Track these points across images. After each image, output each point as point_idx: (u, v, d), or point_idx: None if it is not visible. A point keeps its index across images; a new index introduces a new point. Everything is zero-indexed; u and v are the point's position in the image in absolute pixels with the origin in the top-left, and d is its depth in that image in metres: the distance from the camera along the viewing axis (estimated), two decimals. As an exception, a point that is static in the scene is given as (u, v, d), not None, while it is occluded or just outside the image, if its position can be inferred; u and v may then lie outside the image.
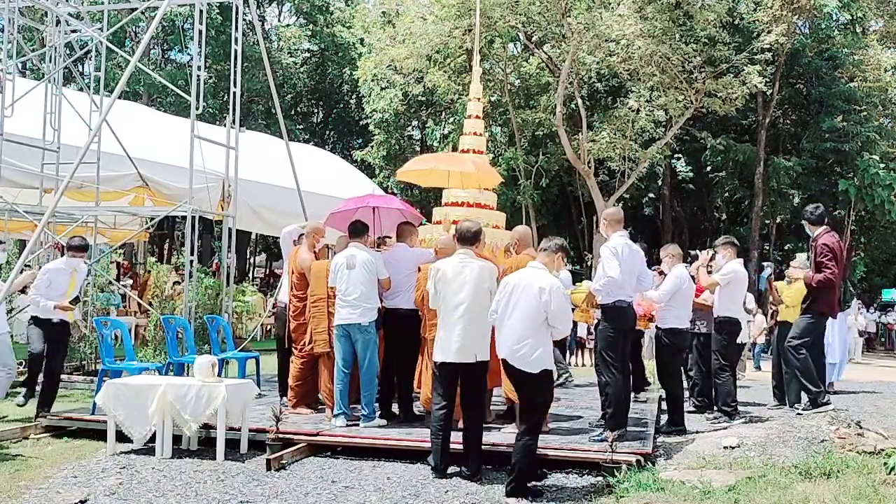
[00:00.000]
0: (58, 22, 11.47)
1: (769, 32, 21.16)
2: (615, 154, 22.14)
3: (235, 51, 11.18)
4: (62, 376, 9.06)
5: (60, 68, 11.42)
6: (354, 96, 32.65)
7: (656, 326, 8.01)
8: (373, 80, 25.89)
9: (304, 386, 7.80)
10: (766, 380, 10.96)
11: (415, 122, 30.41)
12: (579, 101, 22.40)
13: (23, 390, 8.25)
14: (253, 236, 29.06)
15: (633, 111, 21.20)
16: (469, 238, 6.12)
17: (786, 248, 28.55)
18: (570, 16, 20.70)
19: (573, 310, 6.87)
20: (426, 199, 24.15)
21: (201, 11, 10.76)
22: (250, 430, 6.71)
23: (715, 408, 8.34)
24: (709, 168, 28.46)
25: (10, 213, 10.67)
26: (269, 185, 13.84)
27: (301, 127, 33.86)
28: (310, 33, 32.80)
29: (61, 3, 11.43)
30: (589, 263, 24.82)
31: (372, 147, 28.28)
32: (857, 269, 25.89)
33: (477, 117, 10.34)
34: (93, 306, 11.35)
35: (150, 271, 15.93)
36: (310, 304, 7.50)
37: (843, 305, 9.28)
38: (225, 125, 11.86)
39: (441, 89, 24.67)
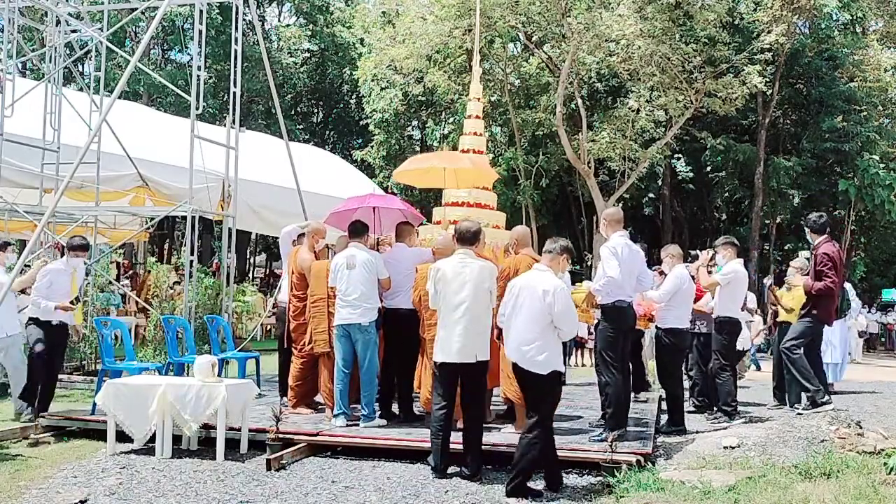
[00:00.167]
0: (58, 22, 11.47)
1: (769, 32, 21.16)
2: (615, 154, 22.15)
3: (235, 51, 11.18)
4: (62, 376, 9.07)
5: (60, 68, 11.42)
6: (354, 96, 32.65)
7: (656, 326, 8.02)
8: (373, 80, 25.89)
9: (304, 386, 7.80)
10: (766, 380, 10.96)
11: (415, 122, 30.41)
12: (579, 101, 22.40)
13: (21, 403, 7.87)
14: (253, 236, 29.06)
15: (633, 111, 21.20)
16: (469, 238, 6.12)
17: (786, 248, 28.55)
18: (570, 16, 20.70)
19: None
20: (426, 200, 24.15)
21: (201, 11, 10.76)
22: (250, 430, 6.71)
23: (715, 408, 8.34)
24: (709, 168, 28.46)
25: (10, 213, 10.67)
26: (269, 185, 13.84)
27: (301, 127, 33.86)
28: (310, 33, 32.80)
29: (61, 3, 11.43)
30: (589, 263, 24.82)
31: (372, 147, 28.29)
32: (857, 269, 25.89)
33: (477, 117, 10.34)
34: (93, 306, 11.34)
35: (149, 271, 15.93)
36: (310, 304, 7.50)
37: (841, 314, 9.33)
38: (225, 125, 11.86)
39: (441, 89, 24.67)
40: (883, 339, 27.46)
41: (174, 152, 12.07)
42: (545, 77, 24.65)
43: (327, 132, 36.22)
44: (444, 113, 28.60)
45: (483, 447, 5.99)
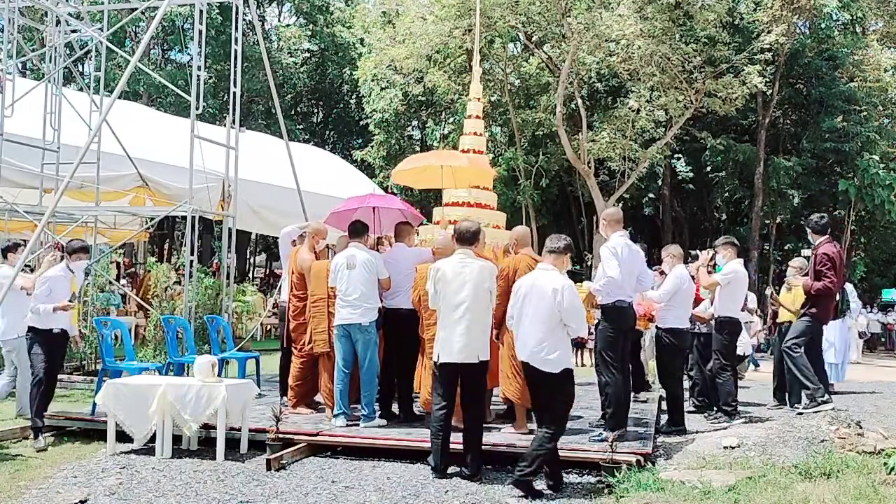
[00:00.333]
0: (58, 22, 11.46)
1: (769, 32, 21.16)
2: (615, 154, 22.15)
3: (235, 51, 11.18)
4: (62, 376, 9.05)
5: (60, 68, 11.42)
6: (354, 96, 32.64)
7: (656, 326, 8.02)
8: (373, 80, 25.89)
9: (304, 386, 7.80)
10: (766, 380, 10.95)
11: (415, 122, 30.41)
12: (579, 101, 22.40)
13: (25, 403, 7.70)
14: (253, 236, 29.06)
15: (633, 111, 21.20)
16: (468, 238, 6.12)
17: (786, 248, 28.55)
18: (570, 16, 20.70)
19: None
20: (426, 200, 24.15)
21: (201, 11, 10.76)
22: (250, 430, 6.71)
23: (715, 408, 8.34)
24: (709, 168, 28.46)
25: (10, 213, 10.66)
26: (269, 185, 13.84)
27: (301, 127, 33.85)
28: (310, 33, 32.80)
29: (61, 3, 11.43)
30: (589, 263, 24.82)
31: (372, 147, 28.28)
32: (857, 269, 25.89)
33: (477, 117, 10.35)
34: (93, 306, 11.34)
35: (149, 271, 15.94)
36: (310, 304, 7.50)
37: (840, 314, 9.36)
38: (225, 125, 11.86)
39: (441, 89, 24.67)
40: (883, 340, 27.43)
41: (174, 152, 12.07)
42: (545, 77, 24.65)
43: (327, 132, 36.21)
44: (444, 113, 28.60)
45: (483, 447, 5.99)
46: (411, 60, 22.36)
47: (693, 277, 8.37)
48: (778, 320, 9.92)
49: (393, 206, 9.18)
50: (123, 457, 6.37)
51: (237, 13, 11.33)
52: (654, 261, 10.05)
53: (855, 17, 25.23)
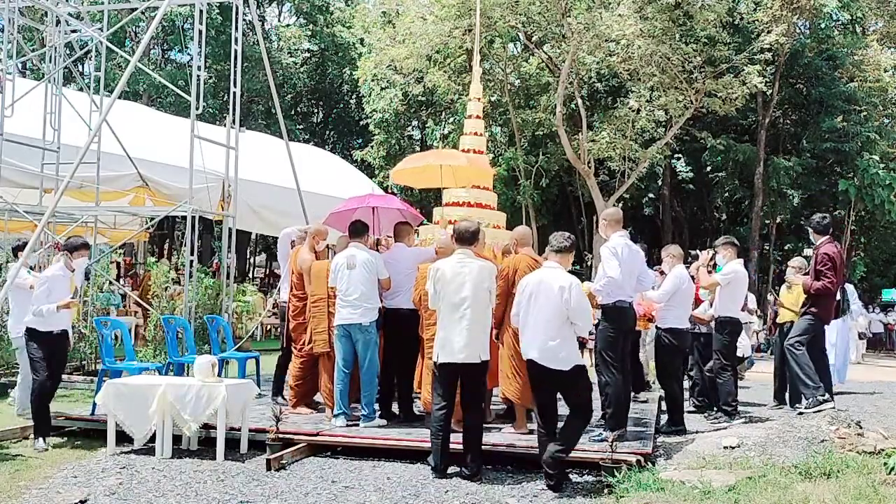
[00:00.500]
0: (58, 22, 11.46)
1: (769, 32, 21.15)
2: (615, 154, 22.14)
3: (235, 51, 11.18)
4: (62, 376, 9.02)
5: (60, 68, 11.42)
6: (354, 96, 32.64)
7: (656, 326, 8.02)
8: (373, 80, 25.88)
9: (304, 386, 7.80)
10: (766, 380, 10.95)
11: (415, 122, 30.40)
12: (579, 101, 22.40)
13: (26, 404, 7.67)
14: (253, 236, 29.05)
15: (633, 111, 21.19)
16: (467, 238, 6.12)
17: (786, 248, 28.54)
18: (570, 16, 20.69)
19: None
20: (426, 199, 24.15)
21: (201, 11, 10.76)
22: (250, 430, 6.72)
23: (715, 408, 8.34)
24: (709, 168, 28.45)
25: (10, 213, 10.67)
26: (269, 185, 13.85)
27: (301, 127, 33.85)
28: (310, 33, 32.79)
29: (61, 3, 11.43)
30: (589, 263, 24.82)
31: (372, 147, 28.28)
32: (857, 269, 25.88)
33: (477, 117, 10.34)
34: (93, 306, 11.34)
35: (148, 270, 15.94)
36: (310, 304, 7.50)
37: (841, 313, 9.37)
38: (225, 125, 11.86)
39: (441, 89, 24.66)
40: (884, 340, 27.39)
41: (174, 152, 12.07)
42: (545, 77, 24.64)
43: (327, 132, 36.21)
44: (444, 113, 28.59)
45: (483, 447, 5.99)
46: (411, 60, 22.35)
47: (693, 277, 8.37)
48: (779, 320, 9.90)
49: (392, 206, 9.18)
50: (123, 457, 6.37)
51: (237, 13, 11.32)
52: (654, 261, 10.05)
53: (855, 17, 25.23)
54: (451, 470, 5.91)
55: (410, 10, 22.37)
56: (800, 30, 25.24)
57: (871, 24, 26.99)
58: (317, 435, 6.70)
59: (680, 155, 28.40)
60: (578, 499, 5.46)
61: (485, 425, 6.37)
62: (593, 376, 7.47)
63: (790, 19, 22.37)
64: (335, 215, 8.86)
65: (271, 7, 36.36)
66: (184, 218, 11.49)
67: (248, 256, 32.96)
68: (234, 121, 11.15)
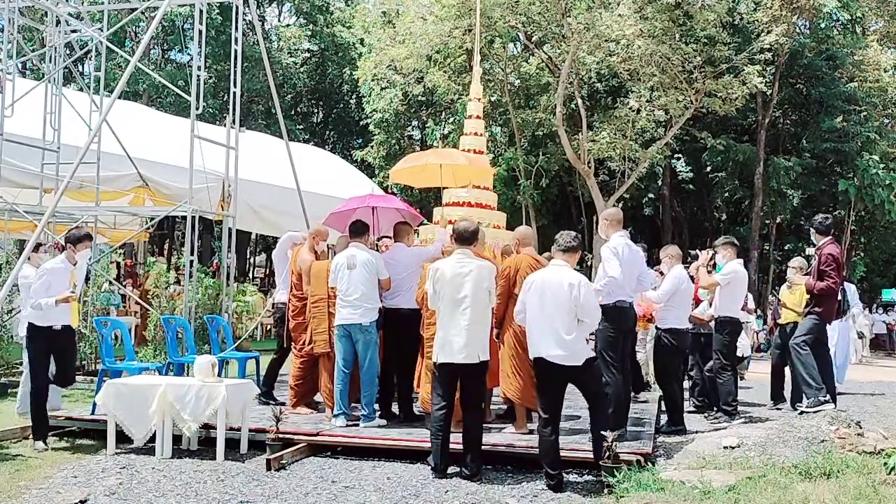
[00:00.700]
0: (58, 22, 11.46)
1: (769, 32, 21.16)
2: (615, 154, 22.15)
3: (235, 51, 11.17)
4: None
5: (60, 68, 11.41)
6: (354, 96, 32.64)
7: (656, 327, 8.02)
8: (373, 80, 25.89)
9: (304, 386, 7.80)
10: (766, 380, 10.95)
11: (415, 122, 30.41)
12: (579, 101, 22.40)
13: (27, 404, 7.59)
14: (253, 236, 29.06)
15: (633, 111, 21.20)
16: (467, 238, 6.13)
17: (786, 248, 28.55)
18: (570, 16, 20.69)
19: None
20: (426, 199, 24.15)
21: (201, 11, 10.75)
22: (250, 430, 6.72)
23: (715, 408, 8.35)
24: (709, 168, 28.46)
25: (10, 213, 10.66)
26: (269, 185, 13.84)
27: (301, 127, 33.85)
28: (310, 33, 32.79)
29: (61, 3, 11.43)
30: (589, 263, 24.82)
31: (372, 147, 28.28)
32: (857, 269, 25.88)
33: (477, 117, 10.35)
34: (93, 306, 11.34)
35: (148, 270, 15.95)
36: (310, 304, 7.50)
37: (841, 313, 9.39)
38: (225, 125, 11.85)
39: (441, 89, 24.67)
40: (885, 340, 27.34)
41: (174, 152, 12.06)
42: (545, 77, 24.64)
43: (327, 132, 36.21)
44: (444, 113, 28.60)
45: (483, 447, 5.99)
46: (411, 60, 22.36)
47: (692, 278, 8.38)
48: (781, 321, 9.89)
49: (392, 206, 9.18)
50: (123, 457, 6.37)
51: (237, 13, 11.32)
52: (654, 261, 10.05)
53: (854, 17, 25.23)
54: (451, 470, 5.91)
55: (410, 10, 22.37)
56: (800, 30, 25.24)
57: (871, 24, 26.99)
58: (317, 435, 6.70)
59: (680, 155, 28.41)
60: (578, 499, 5.46)
61: (485, 425, 6.37)
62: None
63: (790, 19, 22.38)
64: (335, 215, 8.86)
65: (271, 7, 36.37)
66: (184, 218, 11.48)
67: (248, 256, 32.96)
68: (234, 121, 11.15)
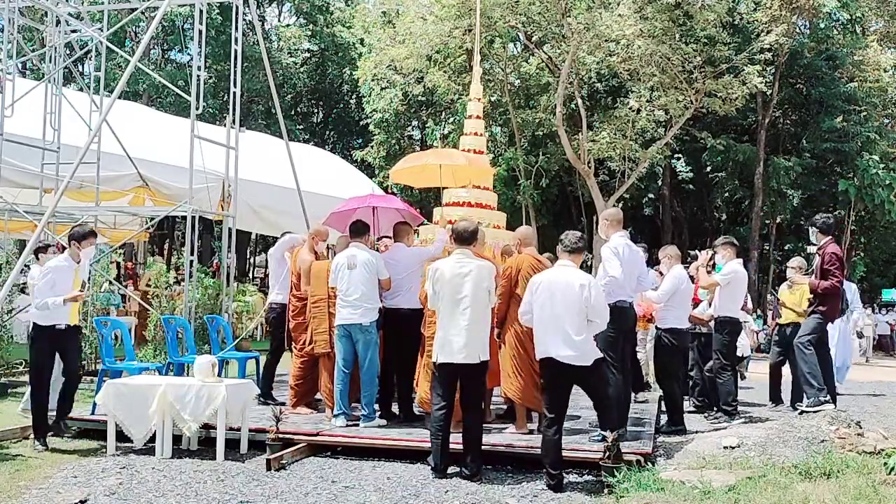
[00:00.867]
0: (58, 22, 11.46)
1: (769, 32, 21.16)
2: (615, 154, 22.14)
3: (235, 51, 11.17)
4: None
5: (60, 68, 11.41)
6: (354, 96, 32.63)
7: (656, 327, 8.02)
8: (373, 80, 25.88)
9: (304, 386, 7.80)
10: (767, 380, 10.96)
11: (415, 122, 30.40)
12: (579, 101, 22.40)
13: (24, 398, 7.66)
14: (253, 236, 29.05)
15: (633, 111, 21.20)
16: (466, 238, 6.13)
17: (786, 248, 28.55)
18: (570, 16, 20.69)
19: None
20: (426, 200, 24.15)
21: (201, 11, 10.75)
22: (250, 430, 6.72)
23: (715, 408, 8.35)
24: (709, 168, 28.46)
25: (10, 213, 10.66)
26: (269, 185, 13.83)
27: (301, 127, 33.83)
28: (310, 33, 32.78)
29: (61, 3, 11.43)
30: (589, 264, 24.83)
31: (372, 147, 28.28)
32: (857, 269, 25.88)
33: (477, 117, 10.35)
34: (93, 306, 11.34)
35: (147, 270, 15.95)
36: (310, 304, 7.50)
37: (841, 313, 9.41)
38: (225, 125, 11.85)
39: (441, 89, 24.66)
40: (888, 341, 27.30)
41: (174, 152, 12.06)
42: (545, 77, 24.64)
43: (327, 132, 36.20)
44: (444, 113, 28.59)
45: (483, 447, 5.99)
46: (411, 60, 22.35)
47: (692, 278, 8.38)
48: (780, 321, 9.87)
49: (392, 206, 9.18)
50: (123, 457, 6.37)
51: (237, 13, 11.32)
52: (654, 261, 10.05)
53: (854, 17, 25.23)
54: (451, 470, 5.91)
55: (410, 10, 22.37)
56: (799, 30, 25.23)
57: (871, 25, 26.99)
58: (317, 435, 6.71)
59: (680, 155, 28.41)
60: (578, 499, 5.46)
61: (485, 425, 6.36)
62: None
63: (790, 19, 22.37)
64: (335, 215, 8.86)
65: (271, 7, 36.36)
66: (184, 218, 11.48)
67: (248, 256, 32.95)
68: (234, 121, 11.15)
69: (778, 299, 10.31)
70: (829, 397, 7.75)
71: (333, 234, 8.57)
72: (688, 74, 20.86)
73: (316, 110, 36.81)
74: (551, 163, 24.81)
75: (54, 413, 7.07)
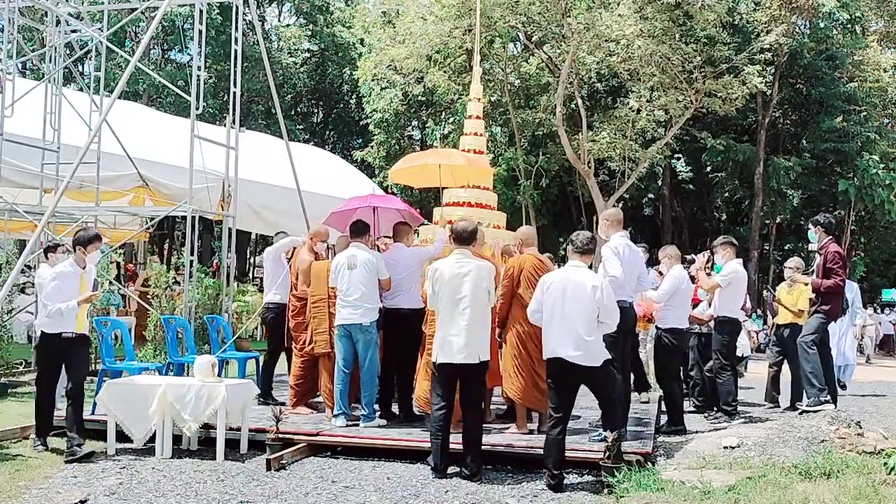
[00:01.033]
0: (58, 22, 11.46)
1: (769, 32, 21.17)
2: (615, 154, 22.15)
3: (235, 51, 11.17)
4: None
5: (60, 68, 11.42)
6: (354, 96, 32.64)
7: (656, 327, 8.02)
8: (373, 80, 25.89)
9: (304, 386, 7.80)
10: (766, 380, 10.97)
11: (415, 122, 30.42)
12: (579, 101, 22.41)
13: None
14: (253, 236, 29.04)
15: (633, 111, 21.21)
16: (465, 237, 6.12)
17: (786, 248, 28.55)
18: (570, 16, 20.70)
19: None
20: (426, 199, 24.16)
21: (201, 11, 10.75)
22: (250, 430, 6.71)
23: (715, 408, 8.35)
24: (709, 168, 28.47)
25: (10, 213, 10.66)
26: (269, 185, 13.84)
27: (301, 127, 33.84)
28: (310, 33, 32.78)
29: (61, 3, 11.43)
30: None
31: (372, 147, 28.29)
32: (857, 269, 25.88)
33: (477, 117, 10.35)
34: (93, 307, 11.33)
35: (144, 269, 15.96)
36: (310, 304, 7.50)
37: (842, 312, 9.42)
38: (225, 125, 11.85)
39: (441, 89, 24.67)
40: (892, 341, 27.26)
41: (174, 152, 12.06)
42: (545, 77, 24.65)
43: (327, 132, 36.20)
44: (444, 113, 28.60)
45: (483, 447, 5.99)
46: (411, 60, 22.36)
47: (692, 278, 8.38)
48: (778, 321, 9.86)
49: (392, 206, 9.18)
50: (123, 457, 6.37)
51: (237, 13, 11.32)
52: (654, 261, 10.05)
53: (854, 17, 25.23)
54: (451, 470, 5.91)
55: (410, 10, 22.38)
56: (799, 30, 25.23)
57: (871, 25, 26.99)
58: (317, 435, 6.70)
59: (680, 155, 28.42)
60: (578, 499, 5.46)
61: (485, 425, 6.36)
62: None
63: (789, 19, 22.38)
64: (336, 215, 8.85)
65: (271, 7, 36.36)
66: (184, 218, 11.48)
67: (248, 256, 32.94)
68: (234, 121, 11.15)
69: (773, 295, 10.30)
70: (829, 397, 7.75)
71: (333, 234, 8.57)
72: (688, 74, 20.87)
73: (316, 110, 36.81)
74: (551, 163, 24.82)
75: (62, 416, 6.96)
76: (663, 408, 8.20)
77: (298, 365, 7.75)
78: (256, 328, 15.49)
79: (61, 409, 6.82)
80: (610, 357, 5.87)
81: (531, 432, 6.76)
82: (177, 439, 6.55)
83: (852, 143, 24.19)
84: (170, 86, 13.43)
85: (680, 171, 30.16)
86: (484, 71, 21.89)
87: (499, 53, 24.49)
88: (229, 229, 10.95)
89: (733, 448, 6.44)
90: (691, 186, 30.62)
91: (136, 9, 12.70)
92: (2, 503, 5.19)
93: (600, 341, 5.75)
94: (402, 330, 7.35)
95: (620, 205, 23.26)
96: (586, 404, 8.62)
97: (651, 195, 30.70)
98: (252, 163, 13.56)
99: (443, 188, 9.45)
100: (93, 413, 7.29)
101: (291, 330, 7.89)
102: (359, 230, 7.35)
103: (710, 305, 8.69)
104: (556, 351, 5.67)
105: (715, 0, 20.25)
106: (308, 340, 7.56)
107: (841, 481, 5.51)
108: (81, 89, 14.26)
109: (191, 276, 10.17)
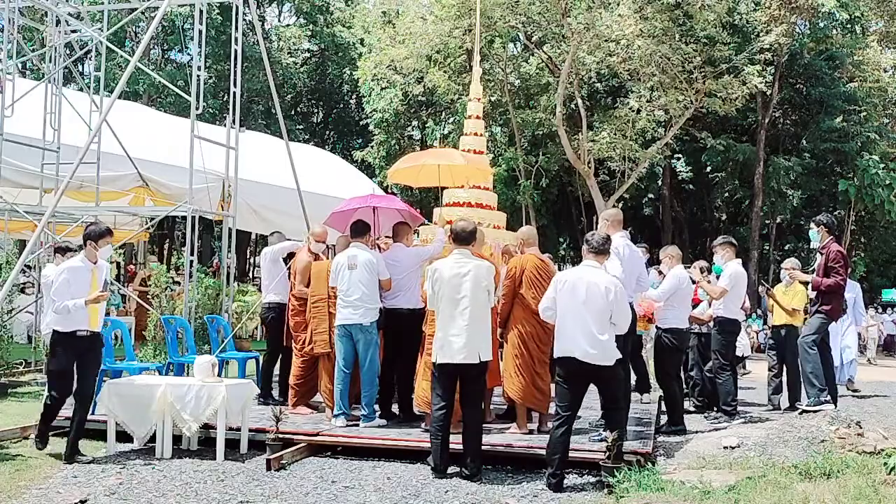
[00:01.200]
0: (58, 22, 11.46)
1: (768, 32, 21.17)
2: (615, 154, 22.14)
3: (235, 51, 11.17)
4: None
5: (60, 68, 11.42)
6: (354, 96, 32.65)
7: (656, 327, 8.03)
8: (373, 80, 25.89)
9: (304, 386, 7.80)
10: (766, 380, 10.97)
11: (415, 122, 30.40)
12: (579, 101, 22.40)
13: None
14: (253, 236, 29.02)
15: (633, 111, 21.21)
16: (465, 237, 6.13)
17: (786, 248, 28.55)
18: (570, 16, 20.70)
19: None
20: (426, 199, 24.15)
21: (201, 11, 10.76)
22: (250, 430, 6.72)
23: (715, 408, 8.35)
24: (709, 168, 28.45)
25: (10, 213, 10.66)
26: (269, 185, 13.83)
27: (301, 127, 33.83)
28: (310, 33, 32.79)
29: (61, 3, 11.43)
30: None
31: (372, 147, 28.28)
32: (858, 269, 25.87)
33: (477, 117, 10.35)
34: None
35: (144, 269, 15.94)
36: (310, 304, 7.50)
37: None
38: (225, 125, 11.86)
39: (441, 89, 24.67)
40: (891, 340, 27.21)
41: (174, 152, 12.06)
42: (545, 77, 24.65)
43: (327, 132, 36.20)
44: (444, 113, 28.60)
45: (483, 447, 5.99)
46: (411, 60, 22.37)
47: (693, 280, 8.37)
48: (774, 322, 9.82)
49: (392, 206, 9.17)
50: (123, 457, 6.37)
51: (237, 13, 11.32)
52: (654, 261, 10.05)
53: (853, 17, 25.23)
54: (451, 470, 5.91)
55: (410, 10, 22.40)
56: (799, 30, 25.23)
57: (871, 25, 26.99)
58: (317, 435, 6.70)
59: (680, 155, 28.41)
60: (578, 499, 5.46)
61: (484, 425, 6.36)
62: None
63: (789, 19, 22.37)
64: (336, 215, 8.84)
65: (271, 7, 36.35)
66: (184, 218, 11.48)
67: (248, 256, 32.95)
68: (234, 121, 11.15)
69: (768, 288, 10.27)
70: (829, 397, 7.75)
71: (333, 234, 8.57)
72: (688, 74, 20.86)
73: (316, 110, 36.81)
74: (551, 163, 24.82)
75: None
76: (663, 408, 8.20)
77: (299, 365, 7.75)
78: (256, 328, 15.49)
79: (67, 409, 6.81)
80: (622, 357, 5.89)
81: (531, 432, 6.76)
82: (177, 439, 6.55)
83: (852, 143, 24.18)
84: (170, 86, 13.44)
85: (680, 171, 30.16)
86: (484, 71, 21.87)
87: (499, 53, 24.49)
88: (229, 229, 10.95)
89: (733, 448, 6.44)
90: (691, 186, 30.61)
91: (136, 9, 12.70)
92: (2, 503, 5.19)
93: (613, 341, 5.76)
94: (402, 330, 7.35)
95: (620, 205, 23.25)
96: (586, 404, 8.62)
97: (651, 195, 30.69)
98: (252, 163, 13.56)
99: (442, 188, 9.45)
100: (93, 413, 7.28)
101: (291, 330, 7.89)
102: (359, 230, 7.35)
103: (710, 305, 8.69)
104: (569, 350, 5.67)
105: (715, 0, 20.25)
106: (308, 340, 7.56)
107: (841, 481, 5.51)
108: (81, 89, 14.26)
109: (191, 276, 10.17)
